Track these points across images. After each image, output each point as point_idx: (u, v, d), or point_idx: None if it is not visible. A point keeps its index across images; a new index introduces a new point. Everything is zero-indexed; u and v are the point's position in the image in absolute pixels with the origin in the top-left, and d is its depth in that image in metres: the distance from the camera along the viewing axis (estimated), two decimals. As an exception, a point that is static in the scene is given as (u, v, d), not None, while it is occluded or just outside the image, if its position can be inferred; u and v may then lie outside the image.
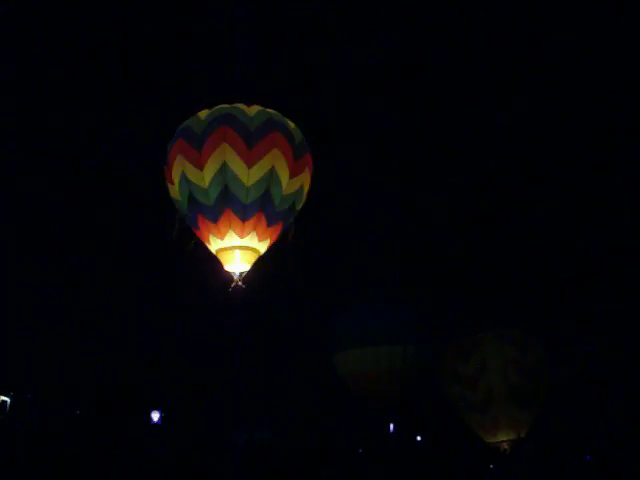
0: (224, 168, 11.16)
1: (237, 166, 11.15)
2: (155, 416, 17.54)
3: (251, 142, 11.20)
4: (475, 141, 15.29)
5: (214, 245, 11.55)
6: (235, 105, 11.57)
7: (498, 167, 15.45)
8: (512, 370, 13.71)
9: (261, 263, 11.84)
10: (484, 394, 13.69)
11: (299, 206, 11.84)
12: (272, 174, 11.30)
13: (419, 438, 17.16)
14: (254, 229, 11.41)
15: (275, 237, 11.77)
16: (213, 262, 11.83)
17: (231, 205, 11.23)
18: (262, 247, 11.67)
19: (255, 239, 11.48)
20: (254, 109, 11.47)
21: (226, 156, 11.15)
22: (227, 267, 11.69)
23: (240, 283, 11.70)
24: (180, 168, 11.36)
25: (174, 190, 11.53)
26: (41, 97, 13.43)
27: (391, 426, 14.46)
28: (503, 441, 14.10)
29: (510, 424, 13.91)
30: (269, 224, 11.50)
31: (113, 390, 16.65)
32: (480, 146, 15.31)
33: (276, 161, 11.33)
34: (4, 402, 16.09)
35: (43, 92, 13.42)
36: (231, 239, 11.39)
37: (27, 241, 15.05)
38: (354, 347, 14.08)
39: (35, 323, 15.60)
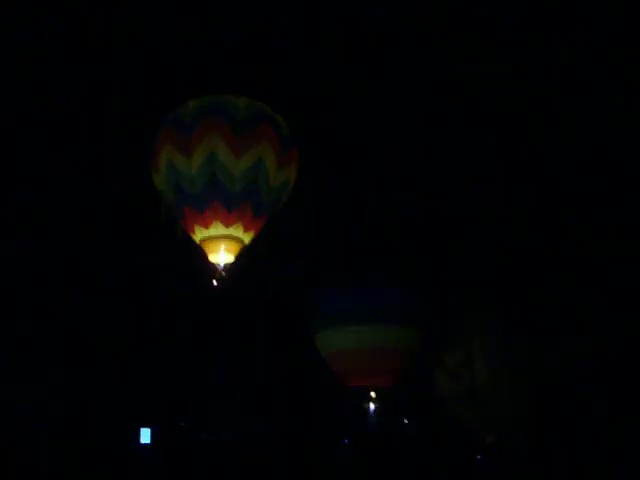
0: (212, 157, 11.39)
1: (225, 155, 11.39)
2: (146, 434, 16.67)
3: (240, 132, 11.44)
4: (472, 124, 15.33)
5: (199, 234, 11.80)
6: (224, 95, 11.81)
7: (490, 155, 15.52)
8: (498, 361, 13.88)
9: (245, 255, 12.07)
10: (469, 384, 13.87)
11: (285, 198, 12.08)
12: (260, 165, 11.54)
13: (406, 421, 17.36)
14: (240, 219, 11.68)
15: (260, 228, 12.01)
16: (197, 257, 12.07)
17: (218, 194, 11.49)
18: (247, 238, 11.92)
19: (241, 229, 11.75)
20: (243, 100, 11.69)
21: (214, 145, 11.39)
22: (211, 257, 11.92)
23: (224, 274, 11.94)
24: (167, 156, 11.61)
25: (160, 179, 11.77)
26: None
27: (371, 407, 14.44)
28: (489, 433, 14.30)
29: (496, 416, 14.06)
30: (255, 215, 11.79)
31: (96, 406, 15.97)
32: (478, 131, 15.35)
33: (264, 152, 11.59)
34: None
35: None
36: (216, 229, 11.65)
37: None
38: (336, 326, 14.07)
39: (14, 334, 15.45)
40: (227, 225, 11.69)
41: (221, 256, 11.94)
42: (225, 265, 11.97)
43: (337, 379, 14.61)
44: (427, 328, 14.44)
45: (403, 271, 15.09)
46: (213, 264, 12.00)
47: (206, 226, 11.74)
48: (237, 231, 11.79)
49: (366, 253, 15.39)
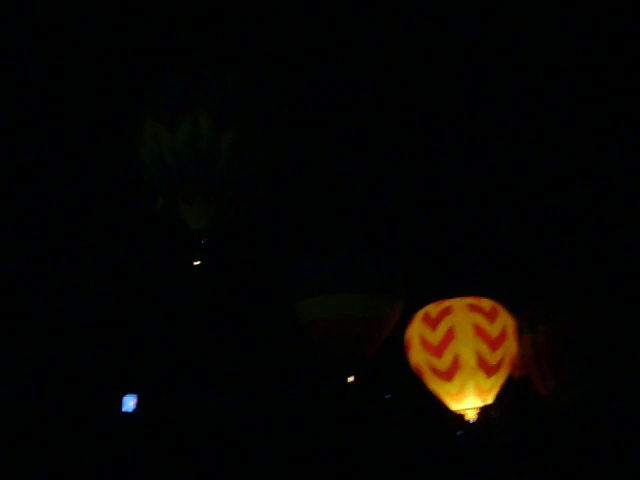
0: (197, 131, 11.44)
1: (210, 130, 11.44)
2: (130, 402, 16.37)
3: (225, 107, 11.49)
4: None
5: (183, 209, 11.87)
6: (209, 70, 11.88)
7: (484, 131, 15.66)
8: (480, 339, 14.03)
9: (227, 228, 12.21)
10: (450, 362, 14.02)
11: (270, 173, 12.18)
12: (246, 139, 11.62)
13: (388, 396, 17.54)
14: (224, 194, 11.74)
15: (245, 203, 12.11)
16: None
17: (202, 170, 11.55)
18: (230, 212, 12.01)
19: (224, 204, 11.81)
20: (229, 76, 11.76)
21: (199, 119, 11.42)
22: (194, 227, 12.02)
23: (204, 242, 12.08)
24: (152, 130, 11.65)
25: (143, 152, 11.81)
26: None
27: (349, 379, 14.68)
28: (468, 409, 14.43)
29: (476, 392, 14.20)
30: (239, 190, 11.84)
31: (76, 374, 15.80)
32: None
33: (250, 127, 11.65)
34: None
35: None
36: (199, 204, 11.72)
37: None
38: (317, 294, 14.20)
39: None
40: (211, 200, 11.79)
41: (203, 225, 12.06)
42: (208, 235, 12.10)
43: (316, 349, 14.82)
44: (406, 296, 14.73)
45: (389, 242, 15.31)
46: (193, 240, 12.12)
47: (189, 201, 11.83)
48: (220, 206, 11.90)
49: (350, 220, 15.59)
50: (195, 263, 12.31)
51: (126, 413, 15.94)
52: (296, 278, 14.76)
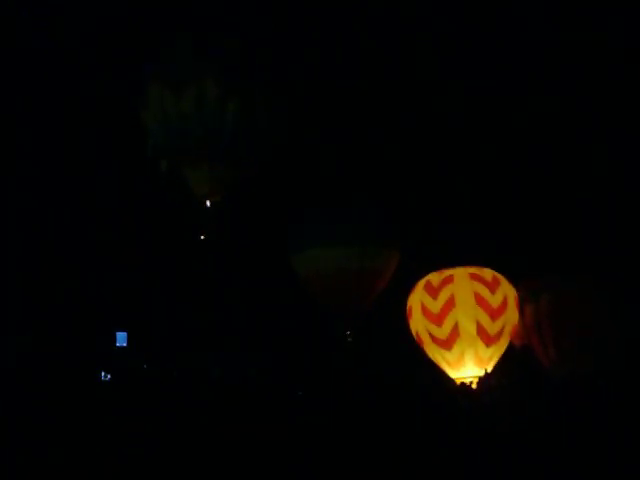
0: (204, 96, 11.66)
1: (216, 95, 11.67)
2: (121, 337, 17.21)
3: (232, 73, 11.73)
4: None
5: (188, 174, 12.14)
6: (214, 34, 12.08)
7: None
8: (480, 308, 14.30)
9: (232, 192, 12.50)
10: (450, 330, 14.31)
11: (276, 140, 12.42)
12: (253, 105, 11.85)
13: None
14: (231, 160, 12.00)
15: (253, 170, 12.37)
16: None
17: (209, 134, 11.77)
18: (237, 179, 12.29)
19: (230, 170, 12.08)
20: (234, 42, 11.97)
21: (207, 85, 11.66)
22: (199, 197, 12.30)
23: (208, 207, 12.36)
24: (157, 94, 11.89)
25: (149, 116, 12.05)
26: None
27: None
28: (468, 377, 14.75)
29: (475, 360, 14.51)
30: (246, 155, 12.09)
31: (73, 309, 16.35)
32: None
33: (257, 92, 11.89)
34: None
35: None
36: (206, 169, 11.98)
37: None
38: (313, 246, 14.54)
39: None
40: (217, 167, 12.04)
41: (209, 194, 12.33)
42: (212, 203, 12.37)
43: (316, 302, 15.20)
44: (400, 248, 15.12)
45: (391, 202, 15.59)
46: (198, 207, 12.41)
47: (196, 166, 12.08)
48: (227, 172, 12.16)
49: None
50: (202, 237, 12.67)
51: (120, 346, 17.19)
52: (293, 231, 15.11)
